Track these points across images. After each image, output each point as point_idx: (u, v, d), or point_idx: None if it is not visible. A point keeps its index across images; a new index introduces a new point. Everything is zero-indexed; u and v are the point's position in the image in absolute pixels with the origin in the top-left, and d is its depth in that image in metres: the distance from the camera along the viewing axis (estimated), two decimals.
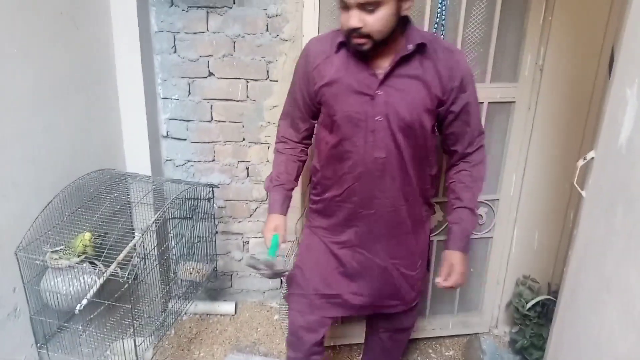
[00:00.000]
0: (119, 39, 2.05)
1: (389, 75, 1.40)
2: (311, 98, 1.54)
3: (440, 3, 1.85)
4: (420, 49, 1.38)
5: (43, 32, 1.67)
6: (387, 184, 1.49)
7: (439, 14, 1.87)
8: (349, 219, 1.57)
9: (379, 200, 1.51)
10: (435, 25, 1.88)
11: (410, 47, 1.37)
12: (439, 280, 1.55)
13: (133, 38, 2.05)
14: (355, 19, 1.29)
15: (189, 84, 2.28)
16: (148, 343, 1.80)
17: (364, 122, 1.44)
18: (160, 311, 2.19)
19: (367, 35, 1.32)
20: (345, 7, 1.30)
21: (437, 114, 1.47)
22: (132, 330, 1.68)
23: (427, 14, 1.88)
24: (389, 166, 1.47)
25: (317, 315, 1.66)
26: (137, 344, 1.70)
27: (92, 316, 1.79)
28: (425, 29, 1.90)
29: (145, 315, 1.97)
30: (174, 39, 2.20)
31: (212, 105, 2.31)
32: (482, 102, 2.01)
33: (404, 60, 1.39)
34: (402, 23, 1.37)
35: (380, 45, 1.35)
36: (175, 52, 2.23)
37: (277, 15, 2.13)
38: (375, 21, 1.29)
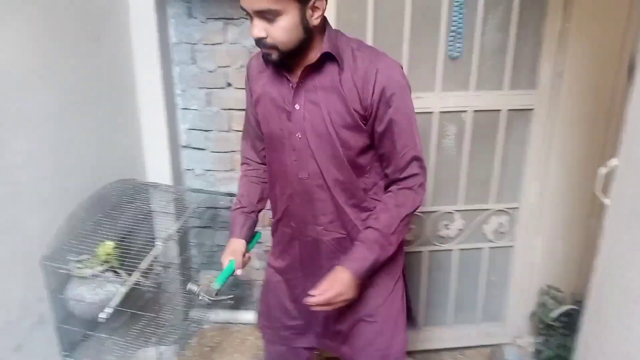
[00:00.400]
0: (139, 52, 2.09)
1: (299, 87, 1.29)
2: (254, 115, 1.44)
3: (456, 11, 1.85)
4: (329, 58, 1.25)
5: (67, 49, 1.72)
6: (318, 208, 1.37)
7: (455, 23, 1.87)
8: (289, 245, 1.47)
9: (313, 227, 1.40)
10: (452, 33, 1.88)
11: (311, 60, 1.26)
12: (311, 293, 1.28)
13: (153, 50, 2.09)
14: (257, 28, 1.19)
15: (207, 95, 2.31)
16: (171, 352, 1.82)
17: (287, 140, 1.33)
18: (182, 319, 2.21)
19: (273, 46, 1.21)
20: (249, 15, 1.20)
21: (368, 131, 1.31)
22: (155, 338, 1.71)
23: (443, 23, 1.89)
24: (314, 189, 1.35)
25: (287, 346, 1.58)
26: (160, 352, 1.72)
27: (116, 324, 1.82)
28: (440, 37, 1.90)
29: (167, 324, 1.99)
30: (193, 50, 2.24)
31: (230, 115, 2.33)
32: (500, 110, 2.01)
33: (314, 70, 1.27)
34: (319, 31, 1.26)
35: (295, 55, 1.25)
36: (193, 63, 2.26)
37: None
38: (278, 31, 1.18)
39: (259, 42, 1.21)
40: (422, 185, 1.34)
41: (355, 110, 1.26)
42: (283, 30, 1.18)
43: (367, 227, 1.33)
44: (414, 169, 1.32)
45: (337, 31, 1.31)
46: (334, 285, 1.28)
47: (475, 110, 2.00)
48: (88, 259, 1.70)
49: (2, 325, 1.53)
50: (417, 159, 1.32)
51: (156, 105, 2.16)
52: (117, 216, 1.84)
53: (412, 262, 2.19)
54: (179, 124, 2.35)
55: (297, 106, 1.29)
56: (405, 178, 1.32)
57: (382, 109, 1.26)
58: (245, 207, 1.50)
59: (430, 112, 1.99)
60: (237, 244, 1.44)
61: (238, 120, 2.32)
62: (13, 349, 1.58)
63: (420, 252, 2.19)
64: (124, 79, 2.07)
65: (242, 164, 1.57)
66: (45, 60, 1.61)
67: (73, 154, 1.78)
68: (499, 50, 1.95)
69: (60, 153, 1.71)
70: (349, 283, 1.29)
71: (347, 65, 1.25)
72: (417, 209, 1.35)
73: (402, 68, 1.30)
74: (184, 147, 2.38)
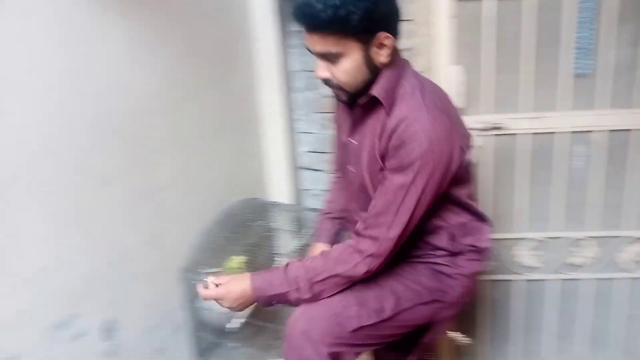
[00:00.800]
0: (263, 80, 2.26)
1: (357, 122, 1.27)
2: None
3: (584, 27, 1.77)
4: (377, 100, 1.19)
5: (203, 80, 1.91)
6: None
7: (581, 39, 1.79)
8: None
9: None
10: (578, 50, 1.80)
11: (363, 100, 1.22)
12: (209, 281, 1.26)
13: (275, 79, 2.25)
14: (320, 69, 1.17)
15: (323, 119, 2.41)
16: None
17: (346, 170, 1.38)
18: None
19: (339, 87, 1.18)
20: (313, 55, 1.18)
21: None
22: (278, 351, 1.79)
23: (565, 40, 1.82)
24: (354, 220, 1.33)
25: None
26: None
27: (245, 334, 1.94)
28: (562, 55, 1.83)
29: None
30: (310, 77, 2.36)
31: None
32: (630, 129, 1.87)
33: (367, 108, 1.23)
34: (390, 66, 1.19)
35: (362, 94, 1.20)
36: (311, 89, 2.38)
37: (409, 49, 2.19)
38: (342, 73, 1.15)
39: (325, 82, 1.19)
40: (372, 256, 1.19)
41: (378, 156, 1.21)
42: (346, 72, 1.14)
43: (299, 260, 1.26)
44: (374, 231, 1.19)
45: (402, 69, 1.21)
46: (228, 287, 1.24)
47: (604, 130, 1.88)
48: (219, 271, 1.85)
49: (146, 330, 1.72)
50: (386, 226, 1.18)
51: (277, 130, 2.31)
52: (243, 232, 1.99)
53: (535, 291, 2.10)
54: (298, 147, 2.48)
55: (352, 140, 1.32)
56: (364, 236, 1.20)
57: (390, 159, 1.16)
58: (332, 213, 1.55)
59: (553, 133, 1.90)
60: (323, 249, 1.43)
61: None
62: (156, 351, 1.76)
63: (544, 280, 2.08)
64: (248, 107, 2.25)
65: (333, 171, 1.62)
66: (185, 91, 1.81)
67: (206, 176, 1.97)
68: (629, 67, 1.83)
69: (194, 175, 1.90)
70: (242, 294, 1.23)
71: (391, 109, 1.17)
72: (354, 277, 1.22)
73: (439, 140, 1.12)
74: (303, 168, 2.50)
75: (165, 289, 1.79)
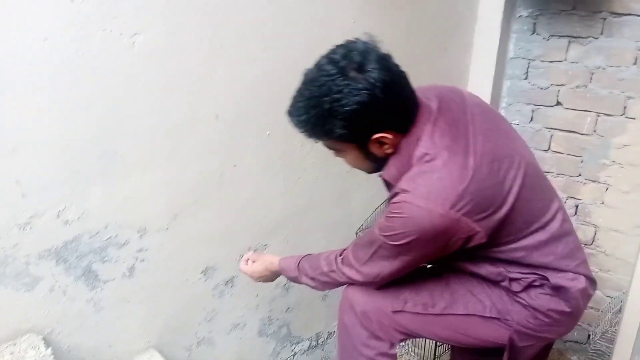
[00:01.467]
0: (476, 63, 2.21)
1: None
2: None
3: None
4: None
5: (421, 55, 1.95)
6: None
7: None
8: None
9: None
10: None
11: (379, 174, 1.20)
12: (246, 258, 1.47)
13: (489, 63, 2.18)
14: (335, 155, 1.20)
15: (532, 111, 2.28)
16: (446, 348, 1.92)
17: None
18: None
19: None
20: None
21: None
22: None
23: None
24: None
25: None
26: (437, 343, 1.84)
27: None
28: None
29: None
30: (528, 66, 2.24)
31: (552, 135, 2.25)
32: None
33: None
34: (398, 151, 1.12)
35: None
36: (525, 78, 2.26)
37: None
38: (348, 162, 1.20)
39: None
40: (348, 275, 1.25)
41: None
42: (351, 163, 1.20)
43: (308, 255, 1.38)
44: (352, 258, 1.24)
45: (413, 148, 1.09)
46: (253, 266, 1.44)
47: None
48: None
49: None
50: (351, 262, 1.24)
51: None
52: None
53: None
54: None
55: None
56: (347, 253, 1.26)
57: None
58: None
59: None
60: None
61: (559, 141, 2.22)
62: (319, 296, 1.93)
63: None
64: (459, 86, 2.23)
65: None
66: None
67: None
68: None
69: None
70: (263, 273, 1.44)
71: (398, 184, 1.12)
72: (341, 282, 1.30)
73: (442, 217, 1.03)
74: None
75: (340, 244, 1.92)
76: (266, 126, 1.53)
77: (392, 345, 1.30)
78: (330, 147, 1.17)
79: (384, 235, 1.12)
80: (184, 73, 1.29)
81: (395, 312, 1.26)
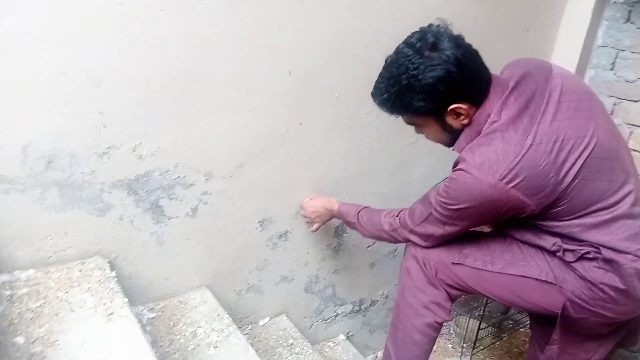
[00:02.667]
0: (560, 48, 2.11)
1: None
2: None
3: None
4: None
5: (501, 32, 1.88)
6: None
7: None
8: None
9: None
10: None
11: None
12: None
13: (574, 49, 2.07)
14: (416, 130, 1.30)
15: (614, 104, 2.16)
16: (490, 332, 1.90)
17: None
18: (501, 312, 2.26)
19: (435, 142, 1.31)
20: None
21: None
22: (479, 313, 1.82)
23: None
24: None
25: None
26: (480, 326, 1.82)
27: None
28: None
29: (490, 307, 2.07)
30: (616, 56, 2.11)
31: (631, 132, 2.13)
32: None
33: None
34: (471, 124, 1.19)
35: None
36: (612, 69, 2.14)
37: None
38: (428, 135, 1.29)
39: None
40: (399, 232, 1.39)
41: None
42: (430, 135, 1.28)
43: (367, 207, 1.52)
44: (408, 217, 1.36)
45: (484, 119, 1.17)
46: (312, 201, 1.62)
47: None
48: None
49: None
50: (407, 223, 1.36)
51: None
52: None
53: None
54: None
55: None
56: (404, 213, 1.39)
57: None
58: None
59: None
60: None
61: (639, 139, 2.10)
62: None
63: None
64: None
65: None
66: (483, 40, 1.81)
67: None
68: None
69: None
70: (318, 210, 1.61)
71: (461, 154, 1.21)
72: (396, 239, 1.42)
73: (492, 188, 1.11)
74: None
75: None
76: (336, 88, 1.54)
77: (448, 298, 1.37)
78: (411, 123, 1.27)
79: (439, 201, 1.23)
80: (263, 26, 1.32)
81: (454, 264, 1.33)
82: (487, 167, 1.11)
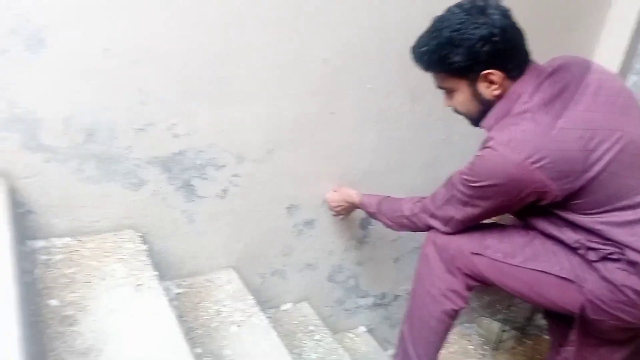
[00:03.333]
0: (602, 51, 2.07)
1: None
2: None
3: None
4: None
5: (543, 32, 1.84)
6: None
7: None
8: None
9: None
10: None
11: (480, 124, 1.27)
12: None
13: (617, 54, 2.03)
14: (445, 100, 1.29)
15: None
16: (512, 335, 1.88)
17: None
18: (526, 317, 2.22)
19: (461, 114, 1.29)
20: None
21: None
22: (503, 316, 1.79)
23: None
24: None
25: None
26: (503, 329, 1.80)
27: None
28: None
29: (515, 312, 2.04)
30: None
31: None
32: None
33: None
34: (503, 97, 1.19)
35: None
36: None
37: None
38: (457, 103, 1.27)
39: (454, 110, 1.30)
40: (420, 217, 1.39)
41: None
42: (459, 103, 1.26)
43: (389, 197, 1.53)
44: (429, 203, 1.36)
45: (517, 97, 1.17)
46: (333, 195, 1.65)
47: None
48: None
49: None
50: (428, 207, 1.36)
51: None
52: None
53: None
54: None
55: None
56: (426, 199, 1.39)
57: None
58: None
59: None
60: None
61: None
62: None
63: None
64: None
65: None
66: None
67: None
68: None
69: None
70: (341, 203, 1.64)
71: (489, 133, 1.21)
72: (418, 225, 1.41)
73: (516, 167, 1.10)
74: None
75: None
76: (369, 79, 1.55)
77: (467, 287, 1.35)
78: (443, 87, 1.26)
79: (462, 178, 1.22)
80: (299, 11, 1.34)
81: (474, 253, 1.31)
82: (514, 145, 1.10)
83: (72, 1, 1.06)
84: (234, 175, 1.45)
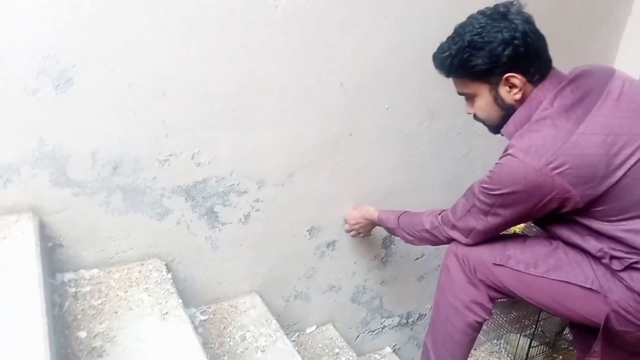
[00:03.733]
0: (622, 60, 2.04)
1: None
2: None
3: None
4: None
5: (560, 45, 1.83)
6: None
7: None
8: None
9: None
10: None
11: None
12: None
13: (636, 63, 1.99)
14: (466, 106, 1.29)
15: None
16: (541, 351, 1.85)
17: None
18: (556, 332, 2.18)
19: (482, 121, 1.29)
20: None
21: None
22: (531, 332, 1.76)
23: None
24: None
25: None
26: (532, 345, 1.77)
27: (499, 300, 1.96)
28: None
29: (543, 326, 2.01)
30: None
31: None
32: None
33: None
34: (525, 102, 1.18)
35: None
36: None
37: None
38: (479, 110, 1.26)
39: (474, 117, 1.30)
40: (442, 229, 1.36)
41: None
42: (482, 109, 1.25)
43: (407, 211, 1.53)
44: (450, 215, 1.34)
45: (537, 103, 1.16)
46: (352, 212, 1.66)
47: None
48: None
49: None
50: (453, 218, 1.32)
51: None
52: None
53: None
54: None
55: None
56: (444, 212, 1.37)
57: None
58: None
59: None
60: None
61: None
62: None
63: None
64: None
65: None
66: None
67: None
68: None
69: None
70: (358, 220, 1.64)
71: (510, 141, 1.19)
72: (438, 238, 1.39)
73: (536, 173, 1.08)
74: None
75: None
76: (386, 100, 1.56)
77: (490, 298, 1.33)
78: (464, 92, 1.26)
79: (482, 187, 1.21)
80: (317, 38, 1.36)
81: (496, 264, 1.29)
82: (534, 151, 1.09)
83: (98, 40, 1.10)
84: (256, 201, 1.47)
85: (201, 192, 1.37)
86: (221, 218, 1.43)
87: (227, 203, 1.42)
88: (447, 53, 1.19)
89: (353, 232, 1.69)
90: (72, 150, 1.16)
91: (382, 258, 1.85)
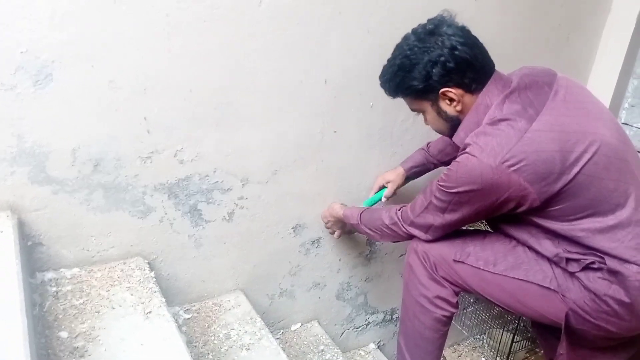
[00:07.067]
0: (602, 57, 2.08)
1: None
2: None
3: None
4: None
5: (541, 43, 1.86)
6: None
7: None
8: None
9: None
10: None
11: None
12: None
13: (617, 59, 2.03)
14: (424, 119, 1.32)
15: None
16: (523, 346, 1.87)
17: None
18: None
19: (438, 132, 1.34)
20: None
21: None
22: (514, 327, 1.78)
23: None
24: None
25: None
26: (514, 340, 1.79)
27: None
28: None
29: (526, 322, 2.03)
30: None
31: None
32: None
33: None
34: (470, 111, 1.21)
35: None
36: None
37: None
38: (430, 123, 1.31)
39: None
40: (400, 225, 1.37)
41: None
42: (431, 122, 1.30)
43: (370, 207, 1.54)
44: (409, 210, 1.35)
45: (484, 108, 1.18)
46: (324, 211, 1.64)
47: None
48: None
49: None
50: (407, 215, 1.35)
51: None
52: None
53: None
54: None
55: None
56: (403, 208, 1.38)
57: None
58: (427, 150, 1.65)
59: None
60: (395, 173, 1.66)
61: None
62: None
63: None
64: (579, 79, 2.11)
65: None
66: (522, 54, 1.80)
67: None
68: None
69: None
70: (329, 217, 1.63)
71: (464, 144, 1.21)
72: (398, 233, 1.39)
73: (492, 171, 1.09)
74: None
75: None
76: (370, 97, 1.56)
77: (454, 292, 1.35)
78: (412, 108, 1.30)
79: (439, 185, 1.22)
80: (301, 36, 1.35)
81: (456, 261, 1.31)
82: (490, 149, 1.10)
83: (78, 36, 1.08)
84: (240, 198, 1.46)
85: (184, 190, 1.35)
86: (205, 216, 1.42)
87: (210, 201, 1.41)
88: (385, 77, 1.26)
89: (329, 230, 1.69)
90: (51, 147, 1.14)
91: (367, 255, 1.85)
